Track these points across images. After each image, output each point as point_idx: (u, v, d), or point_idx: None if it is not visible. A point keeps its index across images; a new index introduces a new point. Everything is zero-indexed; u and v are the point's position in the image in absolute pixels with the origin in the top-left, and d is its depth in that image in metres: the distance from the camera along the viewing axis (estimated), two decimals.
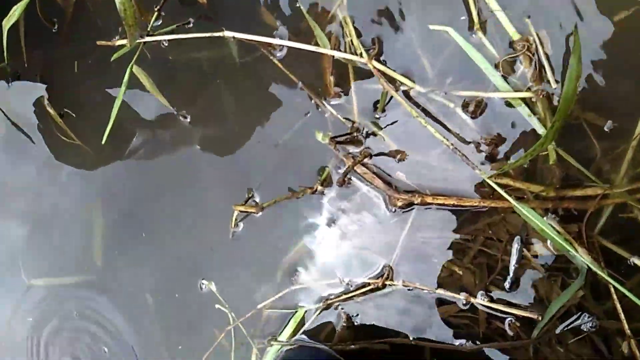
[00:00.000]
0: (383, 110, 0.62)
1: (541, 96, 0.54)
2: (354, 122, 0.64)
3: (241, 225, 0.69)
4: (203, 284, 0.69)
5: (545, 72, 0.54)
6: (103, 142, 0.62)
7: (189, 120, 0.71)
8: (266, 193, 0.67)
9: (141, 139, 0.73)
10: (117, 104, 0.62)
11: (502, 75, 0.56)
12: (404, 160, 0.61)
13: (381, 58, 0.62)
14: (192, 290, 0.69)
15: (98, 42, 0.66)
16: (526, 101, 0.55)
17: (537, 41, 0.54)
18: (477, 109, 0.57)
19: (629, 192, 0.53)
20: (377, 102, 0.62)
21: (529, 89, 0.55)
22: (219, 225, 0.69)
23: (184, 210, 0.71)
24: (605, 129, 0.54)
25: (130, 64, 0.64)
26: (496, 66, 0.56)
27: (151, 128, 0.72)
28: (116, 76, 0.67)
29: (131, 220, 0.72)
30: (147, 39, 0.66)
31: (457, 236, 0.59)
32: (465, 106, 0.58)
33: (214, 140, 0.70)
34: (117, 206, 0.73)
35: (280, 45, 0.63)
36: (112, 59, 0.64)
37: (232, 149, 0.69)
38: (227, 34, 0.62)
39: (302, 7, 0.64)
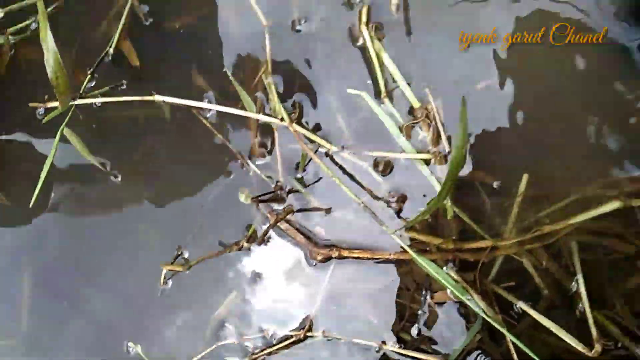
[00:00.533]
0: (304, 170, 0.67)
1: (438, 158, 0.61)
2: (277, 181, 0.69)
3: (170, 283, 0.71)
4: (130, 347, 0.69)
5: (441, 136, 0.62)
6: (31, 205, 0.64)
7: (119, 179, 0.74)
8: (196, 250, 0.70)
9: (71, 198, 0.75)
10: (47, 165, 0.64)
11: (407, 138, 0.63)
12: (328, 214, 0.67)
13: (304, 120, 0.68)
14: (119, 353, 0.70)
15: (30, 104, 0.68)
16: (427, 162, 0.62)
17: (435, 109, 0.62)
18: (386, 168, 0.64)
19: (516, 244, 0.60)
20: (299, 161, 0.68)
21: (428, 151, 0.62)
22: (148, 283, 0.71)
23: (113, 270, 0.73)
24: (495, 186, 0.62)
25: (61, 127, 0.67)
26: (401, 130, 0.64)
27: (81, 186, 0.75)
28: (49, 133, 0.70)
29: (58, 281, 0.73)
30: (79, 101, 0.70)
31: (372, 286, 0.64)
32: (375, 165, 0.65)
33: (144, 198, 0.73)
34: (45, 267, 0.74)
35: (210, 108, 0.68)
36: (43, 121, 0.67)
37: (162, 206, 0.72)
38: (157, 97, 0.67)
39: (228, 73, 0.70)
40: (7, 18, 0.79)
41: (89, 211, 0.74)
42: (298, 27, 0.70)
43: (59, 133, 0.67)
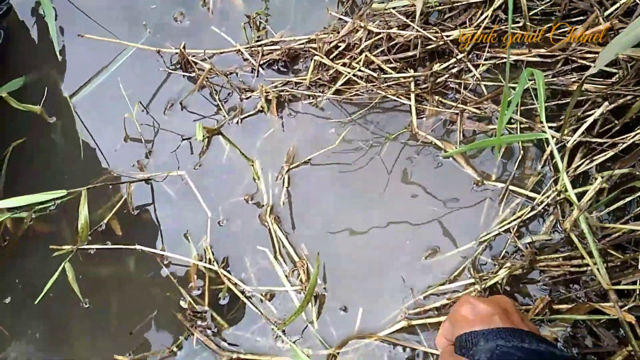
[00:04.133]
0: (224, 298, 1.07)
1: (304, 288, 1.04)
2: (205, 311, 1.07)
3: None
4: None
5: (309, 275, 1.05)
6: None
7: (87, 305, 1.10)
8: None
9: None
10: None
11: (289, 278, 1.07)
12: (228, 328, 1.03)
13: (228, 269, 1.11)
14: None
15: (51, 247, 1.08)
16: (299, 292, 1.04)
17: (307, 262, 1.08)
18: (272, 297, 1.05)
19: None
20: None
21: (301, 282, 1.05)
22: None
23: None
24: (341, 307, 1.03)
25: (65, 260, 1.06)
26: (286, 276, 1.07)
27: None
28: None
29: None
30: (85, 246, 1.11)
31: None
32: (265, 295, 1.06)
33: (106, 313, 1.08)
34: None
35: (167, 256, 1.11)
36: (53, 254, 1.06)
37: (121, 319, 1.07)
38: (138, 247, 1.10)
39: (189, 237, 1.15)
40: None
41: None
42: (222, 224, 1.18)
43: (62, 264, 1.05)
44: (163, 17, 1.41)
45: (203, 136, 0.98)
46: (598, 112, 0.99)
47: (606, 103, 0.99)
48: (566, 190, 0.90)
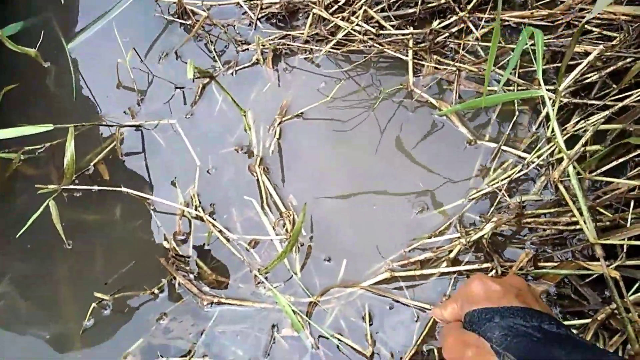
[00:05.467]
0: (208, 244, 1.06)
1: (289, 237, 1.03)
2: (188, 256, 1.06)
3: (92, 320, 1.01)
4: None
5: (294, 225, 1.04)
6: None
7: (71, 246, 1.10)
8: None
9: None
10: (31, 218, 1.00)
11: (274, 228, 1.06)
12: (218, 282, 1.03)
13: (214, 216, 1.10)
14: None
15: (36, 185, 1.07)
16: (282, 241, 1.04)
17: (294, 212, 1.07)
18: (256, 244, 1.04)
19: None
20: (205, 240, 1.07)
21: (286, 231, 1.04)
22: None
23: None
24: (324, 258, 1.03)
25: (50, 199, 1.05)
26: (272, 227, 1.06)
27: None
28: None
29: None
30: (71, 186, 1.10)
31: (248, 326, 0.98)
32: (249, 243, 1.05)
33: (91, 257, 1.08)
34: None
35: (154, 200, 1.10)
36: (38, 192, 1.06)
37: (94, 263, 1.06)
38: (123, 189, 1.08)
39: (177, 184, 1.14)
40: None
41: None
42: (211, 172, 1.17)
43: (46, 202, 1.04)
44: None
45: (194, 75, 0.96)
46: (591, 56, 0.97)
47: (601, 47, 0.97)
48: (555, 137, 0.88)
